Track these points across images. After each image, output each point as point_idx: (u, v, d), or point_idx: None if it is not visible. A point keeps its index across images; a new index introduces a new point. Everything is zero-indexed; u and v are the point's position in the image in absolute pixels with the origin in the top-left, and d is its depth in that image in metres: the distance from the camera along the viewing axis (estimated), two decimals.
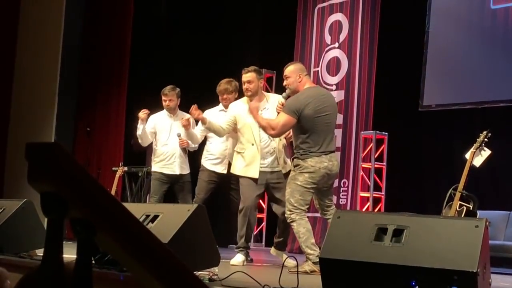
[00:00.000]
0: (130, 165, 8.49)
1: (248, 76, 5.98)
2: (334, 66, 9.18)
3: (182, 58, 10.84)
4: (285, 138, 5.80)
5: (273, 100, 5.88)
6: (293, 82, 5.32)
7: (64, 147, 1.03)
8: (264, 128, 5.40)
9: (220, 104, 6.60)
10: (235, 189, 6.33)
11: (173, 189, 6.99)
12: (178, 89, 7.10)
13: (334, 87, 9.02)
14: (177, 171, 6.90)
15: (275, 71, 9.76)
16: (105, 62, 10.33)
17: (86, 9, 10.40)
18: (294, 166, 5.21)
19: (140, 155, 10.58)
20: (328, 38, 9.31)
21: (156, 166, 6.95)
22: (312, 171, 5.12)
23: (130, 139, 10.38)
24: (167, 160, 6.92)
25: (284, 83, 5.40)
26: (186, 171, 6.94)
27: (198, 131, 6.77)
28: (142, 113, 6.99)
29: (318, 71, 9.33)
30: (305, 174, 5.13)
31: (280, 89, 9.70)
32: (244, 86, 5.99)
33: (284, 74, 5.40)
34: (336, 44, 9.19)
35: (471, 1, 8.20)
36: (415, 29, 8.47)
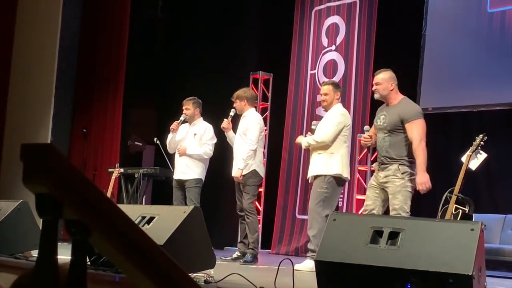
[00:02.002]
0: (126, 167, 8.48)
1: (324, 88, 6.38)
2: (330, 69, 9.18)
3: (178, 60, 10.84)
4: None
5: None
6: (384, 90, 5.43)
7: (59, 148, 1.03)
8: (424, 146, 5.31)
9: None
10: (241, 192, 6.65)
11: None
12: (195, 99, 7.24)
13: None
14: (180, 176, 7.02)
15: (272, 74, 9.77)
16: (102, 63, 10.33)
17: (83, 11, 10.39)
18: (402, 173, 5.22)
19: (136, 156, 10.58)
20: (325, 41, 9.31)
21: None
22: (415, 176, 5.24)
23: (126, 141, 10.39)
24: (176, 166, 7.13)
25: (374, 87, 5.50)
26: (190, 176, 6.98)
27: (204, 147, 7.02)
28: (173, 124, 7.17)
29: (314, 73, 9.33)
30: (413, 180, 5.22)
31: (276, 92, 9.72)
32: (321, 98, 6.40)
33: (375, 81, 5.50)
34: (333, 47, 9.20)
35: (468, 5, 8.21)
36: (411, 32, 8.48)
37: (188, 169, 7.01)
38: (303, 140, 6.28)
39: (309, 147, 6.23)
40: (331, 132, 6.10)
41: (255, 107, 7.29)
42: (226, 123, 6.77)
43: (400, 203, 5.17)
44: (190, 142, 7.07)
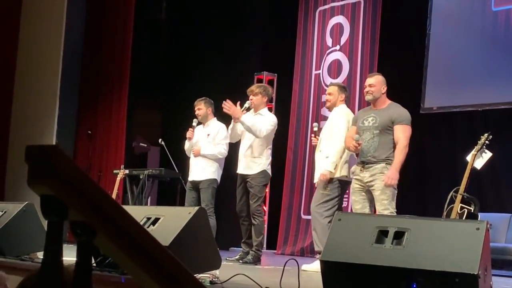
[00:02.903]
0: (131, 168, 8.49)
1: (329, 89, 6.39)
2: (335, 69, 9.18)
3: (183, 61, 10.86)
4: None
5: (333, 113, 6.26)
6: (377, 91, 5.59)
7: (64, 150, 1.03)
8: (406, 151, 5.45)
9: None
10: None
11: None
12: (207, 99, 7.20)
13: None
14: (195, 178, 6.99)
15: (276, 74, 9.76)
16: (106, 65, 10.34)
17: (87, 12, 10.41)
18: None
19: (141, 157, 10.60)
20: (329, 41, 9.31)
21: None
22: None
23: (131, 142, 10.40)
24: (191, 168, 7.08)
25: (367, 89, 5.65)
26: (205, 177, 6.95)
27: (218, 147, 6.96)
28: (188, 133, 7.12)
29: (319, 73, 9.33)
30: (388, 176, 5.34)
31: (281, 92, 9.72)
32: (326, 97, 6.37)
33: (369, 82, 5.67)
34: (337, 47, 9.20)
35: (472, 3, 8.20)
36: (416, 31, 8.47)
37: (202, 169, 6.95)
38: (327, 170, 5.93)
39: (334, 167, 5.99)
40: (339, 141, 5.98)
41: None
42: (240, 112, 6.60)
43: (389, 198, 5.33)
44: (204, 143, 7.01)
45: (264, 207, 9.02)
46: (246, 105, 6.65)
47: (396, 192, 5.41)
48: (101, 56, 10.36)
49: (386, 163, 5.38)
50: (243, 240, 6.73)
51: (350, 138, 5.62)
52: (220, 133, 7.00)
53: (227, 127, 6.88)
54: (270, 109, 9.59)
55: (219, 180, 6.96)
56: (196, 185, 6.98)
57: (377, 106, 5.61)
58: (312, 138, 6.45)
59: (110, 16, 10.40)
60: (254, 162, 6.55)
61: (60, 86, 9.77)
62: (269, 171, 6.69)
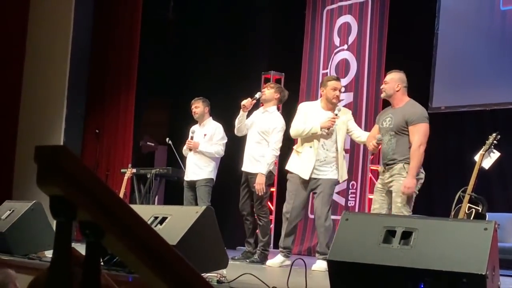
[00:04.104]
0: (139, 167, 8.51)
1: (340, 84, 6.27)
2: (343, 68, 9.17)
3: (190, 61, 10.86)
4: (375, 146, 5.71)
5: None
6: (389, 89, 5.49)
7: (72, 150, 1.03)
8: (422, 151, 5.34)
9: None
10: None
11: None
12: (203, 98, 7.29)
13: (343, 89, 8.98)
14: (191, 177, 7.04)
15: (283, 73, 9.76)
16: (114, 64, 10.36)
17: (94, 13, 10.43)
18: (407, 172, 5.25)
19: (149, 157, 10.61)
20: (337, 40, 9.29)
21: None
22: (422, 177, 5.33)
23: (139, 141, 10.42)
24: (187, 167, 7.14)
25: (382, 86, 5.60)
26: (201, 176, 6.98)
27: (215, 147, 7.01)
28: (187, 144, 7.19)
29: (327, 73, 9.31)
30: (419, 180, 5.28)
31: (288, 91, 9.70)
32: (336, 93, 6.13)
33: (384, 79, 5.63)
34: (345, 46, 9.18)
35: (480, 3, 8.17)
36: (424, 31, 8.45)
37: (199, 169, 7.01)
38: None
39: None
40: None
41: None
42: (249, 103, 6.57)
43: (404, 201, 5.22)
44: (201, 144, 7.06)
45: (271, 206, 9.04)
46: (257, 95, 6.70)
47: (414, 195, 5.31)
48: (109, 55, 10.38)
49: (405, 163, 5.28)
50: (246, 239, 6.75)
51: (372, 137, 5.64)
52: (217, 133, 7.05)
53: (224, 127, 6.97)
54: (277, 109, 9.66)
55: (215, 179, 7.00)
56: (192, 184, 7.03)
57: (394, 105, 5.53)
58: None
59: (117, 16, 10.42)
60: (258, 161, 6.52)
61: (68, 86, 9.80)
62: (274, 171, 6.69)
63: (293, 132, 6.18)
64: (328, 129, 5.96)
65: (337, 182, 6.18)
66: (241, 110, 6.58)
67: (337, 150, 6.05)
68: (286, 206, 6.20)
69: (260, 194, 6.41)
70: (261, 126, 6.57)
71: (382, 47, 8.75)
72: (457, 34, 8.25)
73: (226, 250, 4.23)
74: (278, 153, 6.55)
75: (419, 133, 5.30)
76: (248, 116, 6.70)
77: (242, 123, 6.64)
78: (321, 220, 6.00)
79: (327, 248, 5.59)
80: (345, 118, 6.14)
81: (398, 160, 5.33)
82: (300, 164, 6.07)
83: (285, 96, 6.88)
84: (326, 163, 6.03)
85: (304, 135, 6.05)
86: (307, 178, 6.02)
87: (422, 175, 5.36)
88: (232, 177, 7.06)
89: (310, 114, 6.09)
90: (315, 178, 6.04)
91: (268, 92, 6.66)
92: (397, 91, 5.46)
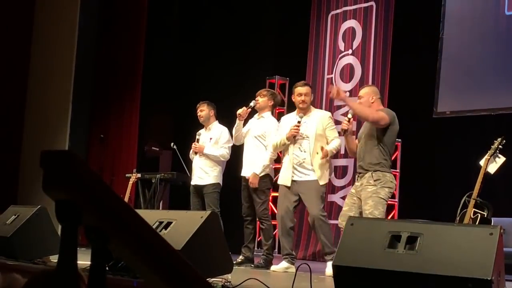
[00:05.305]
0: (144, 172, 8.51)
1: (304, 89, 6.30)
2: (347, 73, 9.17)
3: (194, 66, 10.87)
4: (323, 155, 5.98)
5: (315, 115, 6.25)
6: (365, 102, 5.63)
7: (78, 154, 1.03)
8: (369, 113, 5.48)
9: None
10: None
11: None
12: (210, 102, 7.32)
13: (347, 94, 9.00)
14: (197, 182, 7.06)
15: (288, 78, 9.76)
16: (119, 69, 10.38)
17: (99, 16, 10.46)
18: (375, 180, 5.39)
19: (153, 161, 10.62)
20: (341, 45, 9.30)
21: None
22: (391, 186, 5.45)
23: (143, 146, 10.42)
24: (193, 172, 7.15)
25: (358, 101, 5.73)
26: (208, 181, 6.99)
27: (221, 150, 7.05)
28: (193, 147, 7.22)
29: (332, 78, 9.32)
30: (386, 188, 5.39)
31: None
32: (302, 98, 6.24)
33: (358, 94, 5.80)
34: (350, 51, 9.19)
35: (485, 7, 8.17)
36: (429, 35, 8.44)
37: (205, 174, 7.01)
38: (329, 151, 6.08)
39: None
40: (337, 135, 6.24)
41: None
42: (244, 111, 6.68)
43: (371, 208, 5.32)
44: (207, 148, 7.07)
45: (275, 210, 9.02)
46: (252, 104, 6.77)
47: (383, 200, 5.38)
48: (114, 60, 10.40)
49: (373, 171, 5.43)
50: (244, 244, 6.73)
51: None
52: (223, 136, 7.06)
53: (230, 130, 6.97)
54: (281, 114, 9.66)
55: (221, 184, 7.01)
56: (199, 189, 7.03)
57: None
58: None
59: (123, 21, 10.44)
60: (257, 165, 6.58)
61: (73, 90, 9.82)
62: (273, 175, 6.73)
63: (271, 148, 6.44)
64: (294, 137, 6.10)
65: (321, 184, 6.10)
66: (237, 119, 6.72)
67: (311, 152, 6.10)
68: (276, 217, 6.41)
69: (253, 188, 6.49)
70: (257, 131, 6.69)
71: (386, 52, 8.75)
72: (462, 39, 8.24)
73: (231, 255, 4.23)
74: (274, 156, 6.64)
75: (378, 114, 5.47)
76: (244, 124, 6.81)
77: (239, 132, 6.77)
78: (314, 213, 5.98)
79: (334, 246, 5.62)
80: (320, 122, 6.16)
81: (367, 168, 5.47)
82: (282, 173, 6.24)
83: (279, 101, 7.08)
84: (306, 163, 6.08)
85: (279, 148, 6.32)
86: (289, 184, 6.15)
87: (392, 184, 5.49)
88: (235, 182, 7.06)
89: (285, 126, 6.27)
90: (295, 181, 6.13)
91: (262, 100, 6.76)
92: (372, 103, 5.63)
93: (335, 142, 6.11)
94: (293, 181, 6.11)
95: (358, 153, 5.62)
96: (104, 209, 1.05)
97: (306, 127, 6.12)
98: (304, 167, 6.08)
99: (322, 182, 6.05)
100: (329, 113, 6.51)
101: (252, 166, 6.58)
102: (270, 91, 7.00)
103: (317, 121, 6.14)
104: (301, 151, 6.10)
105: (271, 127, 6.62)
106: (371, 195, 5.35)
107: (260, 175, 6.53)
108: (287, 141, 6.14)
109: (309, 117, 6.20)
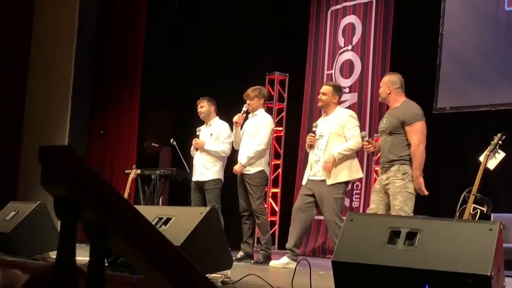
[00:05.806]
0: (143, 168, 8.50)
1: (323, 88, 6.33)
2: (347, 69, 9.16)
3: (194, 62, 10.86)
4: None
5: (334, 114, 6.22)
6: (383, 92, 5.61)
7: (77, 150, 1.03)
8: (422, 150, 5.37)
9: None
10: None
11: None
12: (210, 98, 7.31)
13: (347, 90, 9.00)
14: (198, 178, 7.04)
15: (288, 74, 9.76)
16: (119, 65, 10.37)
17: (99, 12, 10.44)
18: (403, 174, 5.29)
19: (153, 157, 10.61)
20: (341, 41, 9.29)
21: None
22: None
23: (143, 142, 10.42)
24: (194, 168, 7.16)
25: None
26: (209, 177, 6.99)
27: (221, 145, 7.04)
28: (193, 144, 7.22)
29: (331, 73, 9.31)
30: (413, 182, 5.29)
31: (292, 92, 9.72)
32: (319, 96, 6.33)
33: (380, 83, 5.76)
34: (350, 47, 9.18)
35: (485, 3, 8.15)
36: (428, 31, 8.43)
37: (206, 170, 7.01)
38: (335, 154, 5.98)
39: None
40: (358, 134, 6.09)
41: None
42: (240, 118, 6.75)
43: (400, 204, 5.23)
44: (207, 143, 7.08)
45: (275, 206, 9.02)
46: (244, 108, 6.83)
47: (412, 195, 5.31)
48: (113, 56, 10.39)
49: (401, 164, 5.30)
50: (243, 240, 6.74)
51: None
52: (223, 132, 7.06)
53: (230, 126, 6.98)
54: (281, 109, 9.67)
55: (223, 180, 7.01)
56: (200, 185, 7.03)
57: (390, 106, 5.66)
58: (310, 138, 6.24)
59: (122, 16, 10.43)
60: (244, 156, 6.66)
61: (73, 86, 9.81)
62: (267, 171, 6.80)
63: (263, 145, 6.61)
64: (310, 146, 6.17)
65: (336, 182, 6.05)
66: (234, 126, 6.80)
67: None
68: None
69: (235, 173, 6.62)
70: (251, 128, 6.75)
71: (386, 48, 8.75)
72: (462, 34, 8.23)
73: (230, 251, 4.23)
74: (262, 148, 6.62)
75: (416, 133, 5.34)
76: (242, 126, 6.88)
77: (237, 137, 6.84)
78: (327, 218, 6.05)
79: None
80: (337, 121, 6.14)
81: (393, 160, 5.36)
82: (305, 172, 6.34)
83: (265, 92, 7.11)
84: (322, 161, 6.07)
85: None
86: (304, 183, 6.20)
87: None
88: (236, 178, 7.06)
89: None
90: (311, 180, 6.14)
91: (253, 102, 6.79)
92: (389, 93, 5.54)
93: (349, 143, 6.02)
94: (309, 180, 6.14)
95: (382, 146, 5.53)
96: (102, 204, 1.05)
97: (324, 126, 6.16)
98: (319, 165, 6.09)
99: (337, 181, 5.97)
100: (349, 112, 6.44)
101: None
102: (255, 90, 6.86)
103: (334, 120, 6.14)
104: (319, 149, 6.13)
105: (264, 122, 6.69)
106: (400, 190, 5.25)
107: (255, 170, 6.59)
108: (307, 150, 6.27)
109: (329, 116, 6.22)
